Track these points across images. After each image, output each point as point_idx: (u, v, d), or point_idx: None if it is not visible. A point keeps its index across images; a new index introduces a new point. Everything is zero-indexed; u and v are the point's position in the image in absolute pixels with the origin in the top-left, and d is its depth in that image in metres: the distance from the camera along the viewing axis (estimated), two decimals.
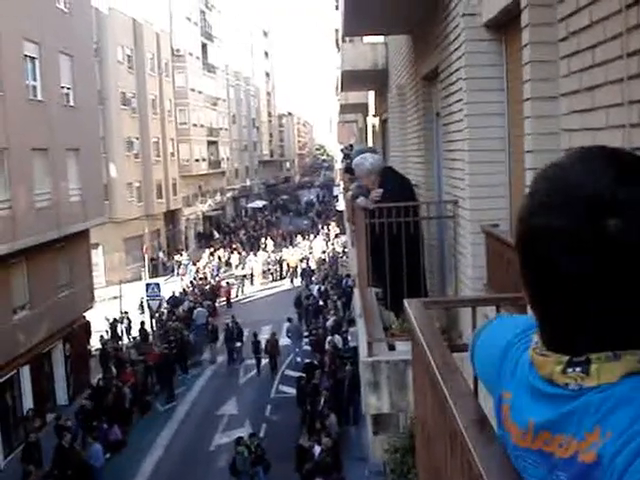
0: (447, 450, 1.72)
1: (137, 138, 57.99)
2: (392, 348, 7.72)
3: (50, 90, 27.94)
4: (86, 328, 33.42)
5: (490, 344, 1.56)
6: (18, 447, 24.07)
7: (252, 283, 54.00)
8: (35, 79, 27.15)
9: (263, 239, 67.45)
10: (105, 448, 24.34)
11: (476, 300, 2.89)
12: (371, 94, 23.09)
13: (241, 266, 56.78)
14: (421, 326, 2.18)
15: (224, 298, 47.68)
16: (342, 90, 24.25)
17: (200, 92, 75.54)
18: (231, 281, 53.41)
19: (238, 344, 34.87)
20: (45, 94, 27.56)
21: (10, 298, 25.12)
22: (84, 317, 32.80)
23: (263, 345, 33.62)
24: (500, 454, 1.36)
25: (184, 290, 48.27)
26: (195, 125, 73.39)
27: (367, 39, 18.57)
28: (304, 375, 27.51)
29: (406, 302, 2.52)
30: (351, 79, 19.13)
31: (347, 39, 19.08)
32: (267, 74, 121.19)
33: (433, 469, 1.97)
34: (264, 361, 33.19)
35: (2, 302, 24.36)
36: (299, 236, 71.12)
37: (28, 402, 26.20)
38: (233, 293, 50.53)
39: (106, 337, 34.77)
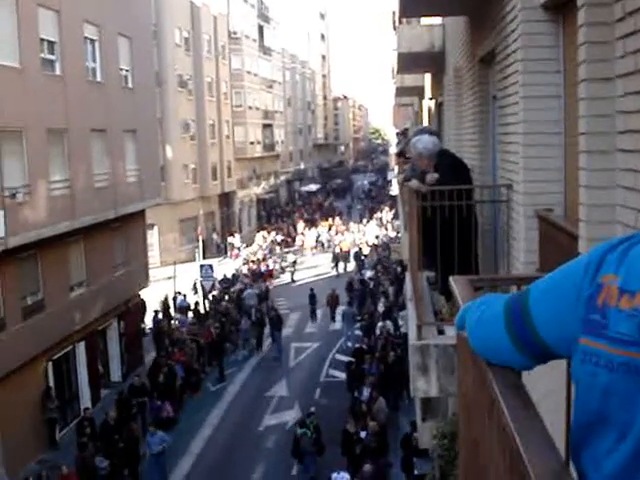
0: (485, 421, 1.72)
1: (193, 120, 58.40)
2: (442, 332, 7.70)
3: (109, 72, 28.28)
4: (140, 307, 33.91)
5: (563, 275, 1.71)
6: (73, 421, 24.61)
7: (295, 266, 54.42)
8: (95, 61, 27.48)
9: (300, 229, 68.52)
10: (156, 425, 24.76)
11: (521, 278, 2.87)
12: (427, 77, 22.93)
13: (293, 253, 57.48)
14: (465, 302, 2.18)
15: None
16: (398, 73, 24.12)
17: (256, 75, 75.73)
18: (283, 265, 53.95)
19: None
20: (104, 76, 27.91)
21: (68, 276, 25.59)
22: (139, 296, 33.27)
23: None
24: (535, 418, 1.37)
25: (236, 272, 48.68)
26: (250, 108, 73.63)
27: (424, 21, 18.42)
28: (354, 360, 27.57)
29: (452, 279, 2.52)
30: (407, 61, 19.00)
31: (404, 20, 18.95)
32: (323, 57, 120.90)
33: (472, 442, 1.97)
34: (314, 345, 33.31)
35: (60, 279, 24.83)
36: (352, 221, 71.64)
37: (83, 378, 26.72)
38: (286, 277, 51.09)
39: (160, 316, 35.18)
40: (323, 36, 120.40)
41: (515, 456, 1.28)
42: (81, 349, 26.72)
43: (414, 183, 8.11)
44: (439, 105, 19.15)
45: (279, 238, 63.16)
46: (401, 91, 31.51)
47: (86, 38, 26.74)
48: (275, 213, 80.00)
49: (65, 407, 25.37)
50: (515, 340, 1.71)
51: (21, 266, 22.41)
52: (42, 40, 23.43)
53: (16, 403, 21.91)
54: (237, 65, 70.45)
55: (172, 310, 37.73)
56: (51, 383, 24.13)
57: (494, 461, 1.59)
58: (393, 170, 52.56)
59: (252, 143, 74.42)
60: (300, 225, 67.86)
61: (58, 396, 24.40)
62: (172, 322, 35.60)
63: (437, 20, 16.95)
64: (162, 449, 21.45)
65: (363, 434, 20.48)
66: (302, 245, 62.25)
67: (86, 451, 20.65)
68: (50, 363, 24.31)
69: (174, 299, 38.70)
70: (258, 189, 77.30)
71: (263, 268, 49.98)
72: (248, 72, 73.05)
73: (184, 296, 39.57)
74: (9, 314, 21.60)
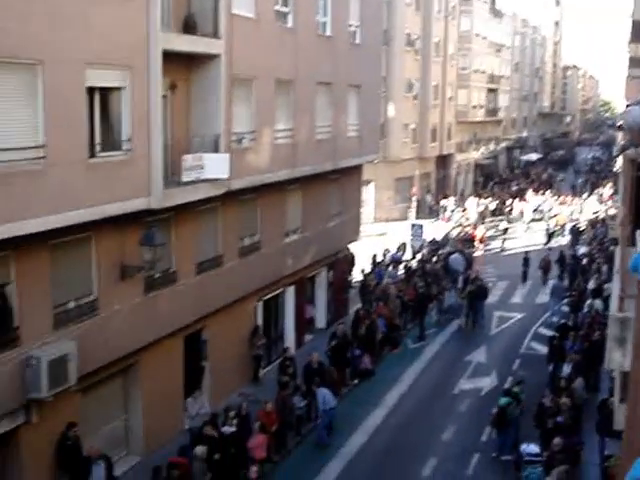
0: None
1: (417, 80, 58.47)
2: None
3: (338, 27, 28.77)
4: (350, 259, 34.70)
5: None
6: (276, 360, 25.81)
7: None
8: (325, 15, 28.03)
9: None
10: (354, 374, 25.56)
11: None
12: None
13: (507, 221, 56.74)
14: None
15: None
16: (632, 42, 23.02)
17: (484, 38, 74.45)
18: (494, 233, 53.35)
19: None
20: (333, 31, 28.41)
21: (284, 222, 26.57)
22: (349, 249, 34.01)
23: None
24: None
25: (446, 235, 48.62)
26: (476, 71, 72.61)
27: None
28: (557, 335, 26.98)
29: (638, 233, 2.56)
30: None
31: None
32: (556, 23, 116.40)
33: (635, 386, 2.07)
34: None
35: (276, 225, 25.87)
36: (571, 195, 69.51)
37: (289, 321, 27.86)
38: (497, 245, 50.54)
39: (368, 270, 35.88)
40: (558, 2, 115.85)
41: None
42: (290, 293, 27.81)
43: (631, 152, 7.91)
44: None
45: (493, 205, 62.16)
46: (635, 62, 29.97)
47: None
48: (492, 180, 78.70)
49: (271, 346, 26.61)
50: None
51: (241, 208, 23.52)
52: None
53: (228, 337, 23.28)
54: (466, 27, 69.60)
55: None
56: (259, 322, 25.36)
57: None
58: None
59: (474, 107, 73.54)
60: (529, 194, 66.70)
61: (265, 335, 25.64)
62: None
63: None
64: (325, 407, 21.41)
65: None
66: (521, 213, 60.46)
67: (286, 390, 21.65)
68: (261, 303, 25.54)
69: (383, 255, 39.28)
70: (477, 154, 76.41)
71: (474, 233, 49.49)
72: (477, 35, 71.98)
73: (397, 249, 40.14)
74: (227, 252, 22.85)
